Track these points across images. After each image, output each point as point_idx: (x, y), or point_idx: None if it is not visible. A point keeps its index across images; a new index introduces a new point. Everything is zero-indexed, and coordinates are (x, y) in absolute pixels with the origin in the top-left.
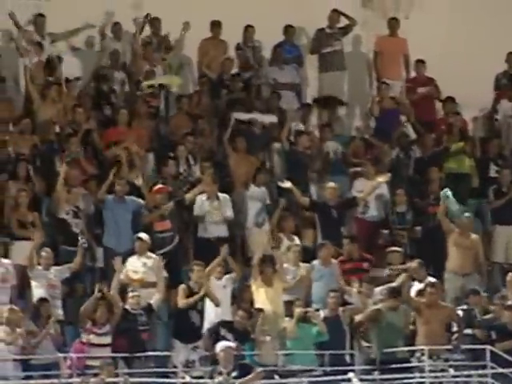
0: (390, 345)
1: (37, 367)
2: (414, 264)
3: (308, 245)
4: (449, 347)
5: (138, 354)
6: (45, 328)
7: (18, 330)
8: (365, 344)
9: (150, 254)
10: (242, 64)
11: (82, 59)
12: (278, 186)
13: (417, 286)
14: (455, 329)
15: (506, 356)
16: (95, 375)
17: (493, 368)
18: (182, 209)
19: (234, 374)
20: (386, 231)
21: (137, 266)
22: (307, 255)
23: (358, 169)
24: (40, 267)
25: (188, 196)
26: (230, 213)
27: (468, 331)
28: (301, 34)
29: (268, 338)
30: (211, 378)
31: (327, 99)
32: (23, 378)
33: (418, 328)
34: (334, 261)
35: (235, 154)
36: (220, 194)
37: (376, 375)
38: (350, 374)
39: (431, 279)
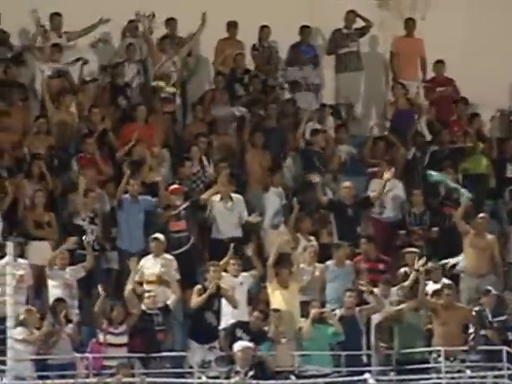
0: (410, 345)
1: (53, 367)
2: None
3: (325, 242)
4: (465, 348)
5: (154, 355)
6: (61, 328)
7: (37, 332)
8: (382, 344)
9: (165, 254)
10: (258, 65)
11: (99, 56)
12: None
13: (432, 287)
14: (471, 330)
15: None
16: (112, 375)
17: (509, 369)
18: (196, 209)
19: (250, 373)
20: (402, 232)
21: (153, 267)
22: (326, 252)
23: (375, 169)
24: (56, 267)
25: (203, 197)
26: (244, 214)
27: (482, 332)
28: (317, 35)
29: (284, 340)
30: (227, 378)
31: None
32: (40, 378)
33: (435, 329)
34: (348, 262)
35: (253, 150)
36: (234, 195)
37: (392, 376)
38: (367, 375)
39: (446, 281)
